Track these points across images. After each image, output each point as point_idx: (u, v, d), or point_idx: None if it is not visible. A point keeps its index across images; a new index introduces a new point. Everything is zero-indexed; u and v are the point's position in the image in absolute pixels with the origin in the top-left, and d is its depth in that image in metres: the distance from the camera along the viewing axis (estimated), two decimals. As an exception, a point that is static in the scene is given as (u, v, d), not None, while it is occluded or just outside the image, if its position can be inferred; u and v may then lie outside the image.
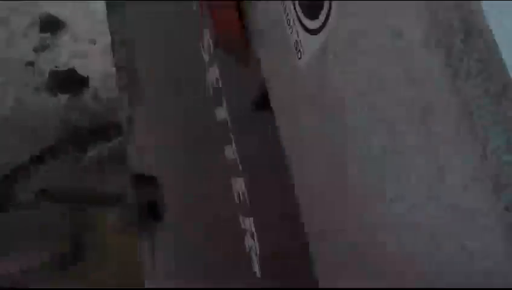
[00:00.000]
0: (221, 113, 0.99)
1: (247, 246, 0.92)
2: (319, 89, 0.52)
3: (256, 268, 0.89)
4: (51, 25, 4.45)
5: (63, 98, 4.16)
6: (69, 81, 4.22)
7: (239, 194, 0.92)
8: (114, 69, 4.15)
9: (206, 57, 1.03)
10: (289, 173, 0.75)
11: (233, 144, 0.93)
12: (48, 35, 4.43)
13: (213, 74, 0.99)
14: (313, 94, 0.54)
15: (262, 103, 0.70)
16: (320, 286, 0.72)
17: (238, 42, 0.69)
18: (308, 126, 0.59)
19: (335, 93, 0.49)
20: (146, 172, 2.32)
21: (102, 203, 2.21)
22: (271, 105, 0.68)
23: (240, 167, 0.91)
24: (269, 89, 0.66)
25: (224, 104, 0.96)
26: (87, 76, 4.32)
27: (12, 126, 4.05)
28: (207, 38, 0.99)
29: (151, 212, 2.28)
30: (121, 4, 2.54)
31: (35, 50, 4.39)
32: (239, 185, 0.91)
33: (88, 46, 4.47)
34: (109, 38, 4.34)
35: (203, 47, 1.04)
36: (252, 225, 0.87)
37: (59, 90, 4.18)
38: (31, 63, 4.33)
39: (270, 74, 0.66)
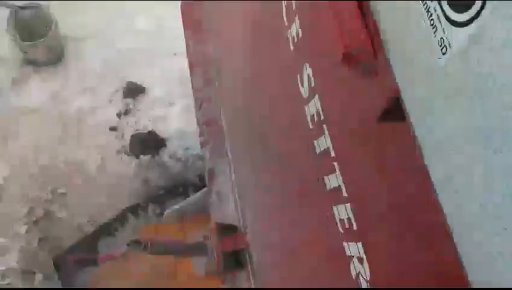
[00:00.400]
0: (323, 143, 1.01)
1: (353, 272, 0.92)
2: (469, 78, 0.53)
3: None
4: (133, 91, 4.76)
5: (144, 159, 4.37)
6: (149, 143, 4.44)
7: (343, 221, 0.93)
8: (191, 129, 4.34)
9: (304, 92, 1.07)
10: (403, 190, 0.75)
11: (337, 171, 0.94)
12: (130, 100, 4.74)
13: (313, 107, 1.03)
14: (461, 86, 0.54)
15: (392, 111, 0.71)
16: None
17: (366, 52, 0.71)
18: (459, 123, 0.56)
19: (489, 79, 0.50)
20: (230, 221, 2.36)
21: (188, 253, 2.26)
22: (406, 111, 0.67)
23: (345, 193, 0.92)
24: (404, 94, 0.67)
25: (326, 133, 0.98)
26: (166, 137, 4.54)
27: (98, 186, 4.27)
28: (307, 72, 1.03)
29: (235, 260, 2.29)
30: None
31: (118, 115, 4.68)
32: (343, 212, 0.92)
33: (166, 109, 4.72)
34: (186, 100, 4.58)
35: (301, 83, 1.09)
36: (361, 249, 0.87)
37: (140, 152, 4.40)
38: (114, 128, 4.62)
39: (405, 79, 0.66)
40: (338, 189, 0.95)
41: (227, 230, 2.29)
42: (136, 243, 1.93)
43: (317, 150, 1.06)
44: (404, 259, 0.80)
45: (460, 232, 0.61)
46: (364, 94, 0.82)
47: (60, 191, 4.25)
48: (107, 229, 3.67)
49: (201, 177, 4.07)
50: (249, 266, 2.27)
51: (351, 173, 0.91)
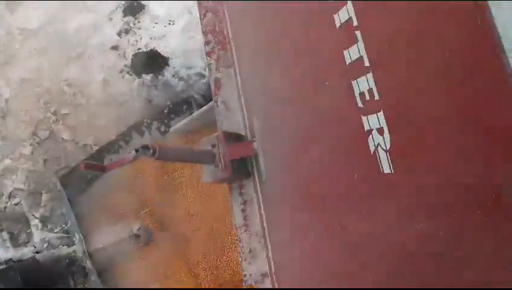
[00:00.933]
0: (344, 14, 0.94)
1: (371, 146, 0.88)
2: None
3: (386, 165, 0.84)
4: (133, 9, 4.60)
5: (146, 78, 4.29)
6: (151, 62, 4.34)
7: (363, 94, 0.88)
8: (193, 47, 4.24)
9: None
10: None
11: (360, 40, 0.88)
12: (130, 18, 4.59)
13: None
14: None
15: None
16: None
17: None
18: None
19: None
20: (236, 130, 2.32)
21: (196, 160, 2.24)
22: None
23: (367, 63, 0.86)
24: None
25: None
26: (168, 56, 4.44)
27: (101, 106, 4.23)
28: None
29: (243, 168, 2.28)
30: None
31: (119, 34, 4.56)
32: (364, 84, 0.87)
33: (168, 27, 4.59)
34: (187, 18, 4.44)
35: None
36: (382, 118, 0.82)
37: (143, 71, 4.31)
38: (115, 47, 4.51)
39: None
40: (359, 60, 0.90)
41: (234, 138, 2.26)
42: (145, 148, 1.89)
43: (337, 23, 1.00)
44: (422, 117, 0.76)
45: None
46: None
47: (63, 111, 4.21)
48: (112, 147, 3.66)
49: (204, 96, 4.01)
50: (256, 175, 2.26)
51: (374, 43, 0.85)
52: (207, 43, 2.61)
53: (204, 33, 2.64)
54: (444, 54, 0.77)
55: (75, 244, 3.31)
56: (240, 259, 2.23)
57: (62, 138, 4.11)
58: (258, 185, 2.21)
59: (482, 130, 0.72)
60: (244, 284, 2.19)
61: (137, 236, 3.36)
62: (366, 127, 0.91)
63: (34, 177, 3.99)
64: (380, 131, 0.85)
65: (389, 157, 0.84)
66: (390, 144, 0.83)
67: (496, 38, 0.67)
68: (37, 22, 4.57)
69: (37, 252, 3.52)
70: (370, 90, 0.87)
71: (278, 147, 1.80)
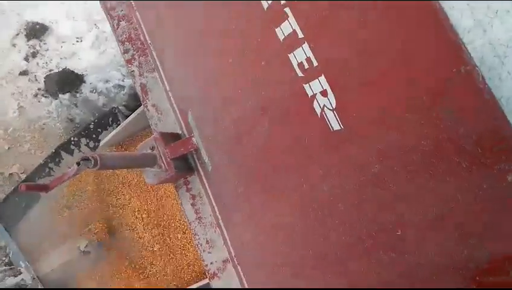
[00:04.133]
0: None
1: (318, 110, 1.05)
2: None
3: (334, 122, 1.02)
4: (37, 31, 4.51)
5: (64, 98, 4.25)
6: (66, 81, 4.30)
7: (301, 64, 1.05)
8: (105, 61, 4.25)
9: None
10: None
11: (290, 15, 1.06)
12: (35, 41, 4.50)
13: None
14: None
15: None
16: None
17: None
18: None
19: None
20: (171, 130, 2.42)
21: (138, 164, 2.31)
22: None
23: (301, 35, 1.03)
24: None
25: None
26: (82, 73, 4.41)
27: (23, 134, 4.13)
28: None
29: (185, 164, 2.39)
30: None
31: (26, 58, 4.46)
32: (300, 54, 1.04)
33: (76, 45, 4.55)
34: (94, 33, 4.42)
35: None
36: (324, 80, 0.99)
37: (58, 92, 4.26)
38: (24, 72, 4.41)
39: None
40: (293, 34, 1.07)
41: (171, 138, 2.36)
42: (86, 159, 1.93)
43: (265, 6, 1.16)
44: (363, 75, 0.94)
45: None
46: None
47: (-19, 145, 4.08)
48: (42, 171, 3.61)
49: (127, 106, 4.05)
50: (200, 168, 2.38)
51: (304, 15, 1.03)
52: (125, 51, 2.68)
53: (121, 42, 2.70)
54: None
55: (21, 273, 3.25)
56: (199, 251, 2.33)
57: (-15, 172, 3.99)
58: (203, 177, 2.33)
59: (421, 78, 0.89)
60: (207, 273, 2.30)
61: (86, 253, 3.36)
62: (310, 93, 1.08)
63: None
64: (324, 93, 1.03)
65: (336, 115, 1.02)
66: (336, 102, 1.01)
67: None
68: None
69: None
70: (308, 59, 1.04)
71: (219, 133, 1.93)
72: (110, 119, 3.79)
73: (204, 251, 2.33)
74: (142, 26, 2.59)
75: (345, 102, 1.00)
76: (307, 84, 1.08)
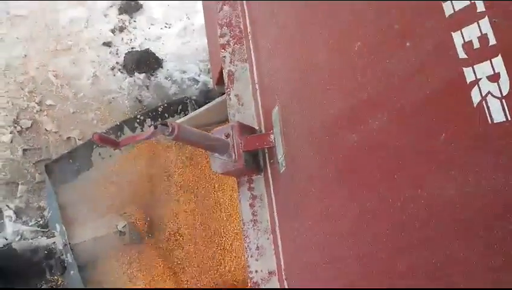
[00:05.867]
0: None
1: (476, 99, 0.86)
2: None
3: (499, 112, 0.82)
4: (129, 8, 4.55)
5: (138, 77, 4.22)
6: (145, 62, 4.28)
7: (470, 43, 0.87)
8: (188, 52, 4.21)
9: None
10: None
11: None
12: (126, 17, 4.53)
13: None
14: None
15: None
16: None
17: None
18: None
19: None
20: (251, 123, 2.29)
21: (210, 147, 2.19)
22: None
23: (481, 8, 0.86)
24: None
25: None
26: (162, 58, 4.39)
27: (89, 101, 4.12)
28: None
29: (255, 161, 2.24)
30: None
31: (113, 31, 4.49)
32: (471, 32, 0.86)
33: (163, 29, 4.55)
34: (183, 23, 4.42)
35: None
36: (501, 62, 0.81)
37: (135, 71, 4.24)
38: (108, 44, 4.43)
39: None
40: (469, 8, 0.89)
41: (248, 131, 2.23)
42: (164, 124, 1.82)
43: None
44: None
45: None
46: None
47: (48, 102, 4.07)
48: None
49: (197, 101, 3.97)
50: (268, 168, 2.23)
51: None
52: (222, 35, 2.60)
53: (220, 25, 2.62)
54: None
55: (54, 236, 3.15)
56: (247, 255, 2.16)
57: (45, 129, 3.96)
58: (270, 178, 2.18)
59: None
60: (249, 281, 2.13)
61: (122, 233, 3.23)
62: (470, 79, 0.90)
63: (12, 167, 3.81)
64: (494, 78, 0.84)
65: (505, 104, 0.83)
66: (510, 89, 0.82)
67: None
68: (27, 9, 4.45)
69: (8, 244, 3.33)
70: (482, 37, 0.86)
71: (307, 131, 1.77)
72: (180, 107, 3.71)
73: (252, 256, 2.15)
74: (246, 14, 2.51)
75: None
76: (469, 68, 0.90)
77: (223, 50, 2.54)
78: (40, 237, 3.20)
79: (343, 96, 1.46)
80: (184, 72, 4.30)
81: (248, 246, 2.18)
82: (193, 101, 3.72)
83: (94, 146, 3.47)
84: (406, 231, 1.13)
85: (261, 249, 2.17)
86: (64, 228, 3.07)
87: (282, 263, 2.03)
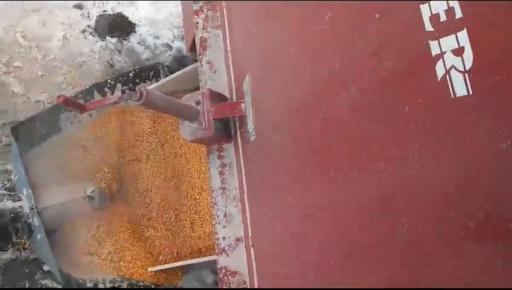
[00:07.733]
0: None
1: (440, 72, 0.88)
2: None
3: (461, 87, 0.84)
4: (101, -31, 4.42)
5: (110, 41, 4.13)
6: (117, 26, 4.18)
7: (436, 16, 0.88)
8: (161, 17, 4.12)
9: None
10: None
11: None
12: (97, -22, 4.41)
13: None
14: None
15: None
16: None
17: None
18: None
19: None
20: (219, 91, 2.28)
21: (180, 114, 2.17)
22: None
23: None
24: None
25: None
26: (135, 22, 4.30)
27: (59, 64, 4.02)
28: None
29: (226, 129, 2.24)
30: None
31: (84, -7, 4.36)
32: (438, 4, 0.87)
33: (137, -7, 4.45)
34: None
35: None
36: (466, 36, 0.82)
37: (107, 34, 4.14)
38: (79, 6, 4.30)
39: None
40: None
41: (218, 98, 2.22)
42: (131, 90, 1.79)
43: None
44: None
45: None
46: None
47: (16, 64, 3.96)
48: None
49: (169, 67, 3.90)
50: (239, 137, 2.23)
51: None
52: (196, 1, 2.55)
53: (192, -9, 2.58)
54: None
55: (21, 200, 3.11)
56: (214, 222, 2.18)
57: (12, 91, 3.86)
58: (240, 147, 2.18)
59: None
60: (216, 247, 2.15)
61: (90, 198, 3.21)
62: (435, 52, 0.91)
63: (-22, 129, 3.72)
64: (458, 51, 0.85)
65: (467, 78, 0.84)
66: (473, 63, 0.83)
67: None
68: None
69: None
70: (449, 10, 0.87)
71: (279, 102, 1.76)
72: (152, 73, 3.66)
73: (219, 223, 2.18)
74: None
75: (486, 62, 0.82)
76: (435, 41, 0.91)
77: (196, 16, 2.50)
78: (6, 200, 3.15)
79: (312, 72, 1.46)
80: (157, 37, 4.22)
81: (216, 213, 2.20)
82: (166, 68, 3.67)
83: (62, 110, 3.40)
84: (371, 204, 1.15)
85: (228, 216, 2.19)
86: (31, 191, 3.04)
87: (249, 230, 2.05)
